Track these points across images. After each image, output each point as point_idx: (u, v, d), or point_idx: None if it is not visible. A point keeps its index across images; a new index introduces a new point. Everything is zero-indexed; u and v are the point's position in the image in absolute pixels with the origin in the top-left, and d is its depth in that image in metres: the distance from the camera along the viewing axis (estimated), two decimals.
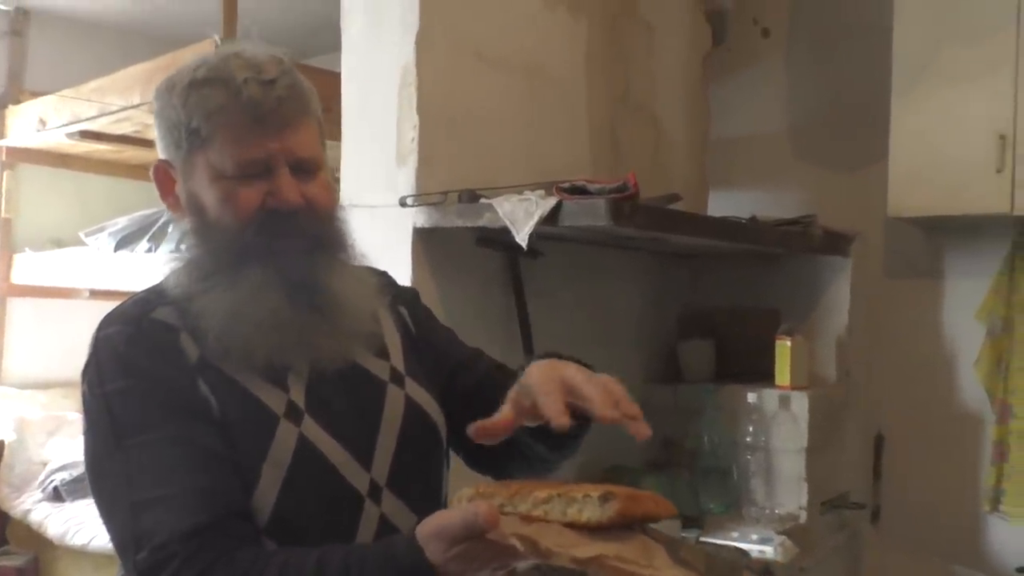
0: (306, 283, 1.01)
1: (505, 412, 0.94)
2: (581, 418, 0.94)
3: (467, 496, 0.85)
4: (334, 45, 1.94)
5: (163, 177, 1.06)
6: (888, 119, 2.40)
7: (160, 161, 1.06)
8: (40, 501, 3.64)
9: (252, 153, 0.99)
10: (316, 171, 1.05)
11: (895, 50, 2.40)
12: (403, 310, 1.20)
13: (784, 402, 2.18)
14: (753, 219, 2.11)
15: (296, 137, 1.02)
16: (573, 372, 0.93)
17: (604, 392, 0.90)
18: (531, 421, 0.95)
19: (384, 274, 1.22)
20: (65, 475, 3.60)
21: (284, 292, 1.00)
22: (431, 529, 0.83)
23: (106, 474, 0.95)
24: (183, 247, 1.04)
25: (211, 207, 1.01)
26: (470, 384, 1.17)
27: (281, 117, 1.00)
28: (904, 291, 2.69)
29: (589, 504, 0.80)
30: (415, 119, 1.76)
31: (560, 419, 0.87)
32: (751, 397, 2.18)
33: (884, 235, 2.67)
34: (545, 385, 0.91)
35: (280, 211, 1.00)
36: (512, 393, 0.94)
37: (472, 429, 0.93)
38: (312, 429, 0.99)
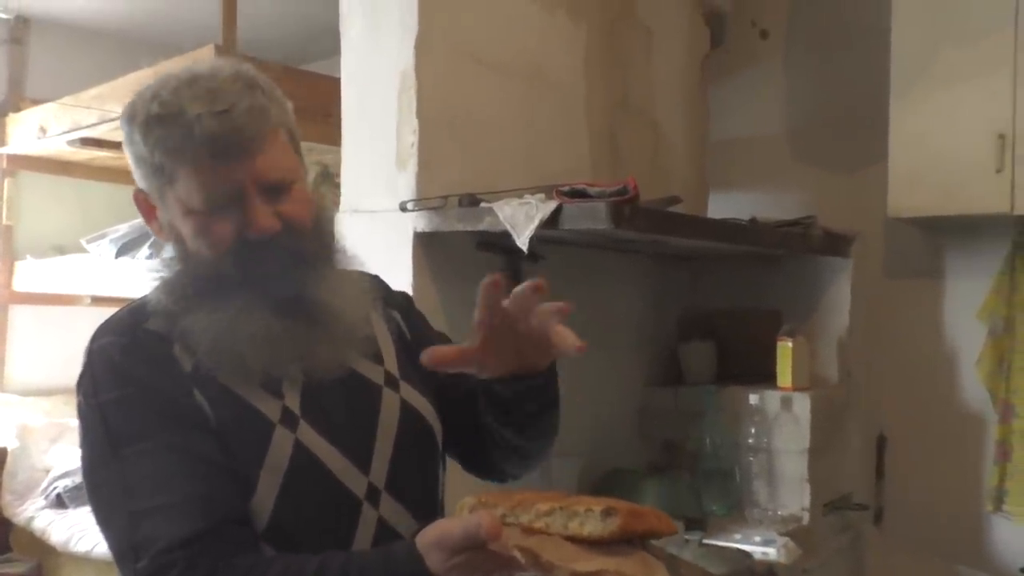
0: (293, 299, 1.01)
1: (457, 347, 1.00)
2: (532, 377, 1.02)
3: (469, 505, 0.85)
4: (333, 50, 1.95)
5: (144, 205, 1.06)
6: (886, 120, 2.40)
7: (138, 190, 1.05)
8: (43, 508, 3.64)
9: (219, 186, 0.97)
10: (290, 187, 1.02)
11: (893, 51, 2.40)
12: (396, 315, 1.19)
13: (786, 403, 2.18)
14: (753, 221, 2.11)
15: (261, 161, 0.98)
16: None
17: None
18: (479, 368, 1.01)
19: (375, 277, 1.21)
20: (68, 482, 3.61)
21: (271, 310, 0.99)
22: (432, 538, 0.83)
23: (103, 483, 0.95)
24: (167, 271, 1.04)
25: (188, 240, 1.00)
26: (463, 389, 1.16)
27: (242, 146, 0.97)
28: (905, 291, 2.69)
29: (591, 518, 0.81)
30: (415, 123, 1.77)
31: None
32: (753, 398, 2.18)
33: (884, 236, 2.67)
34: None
35: (257, 241, 0.98)
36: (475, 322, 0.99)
37: (425, 354, 0.97)
38: (308, 435, 0.99)
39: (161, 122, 0.97)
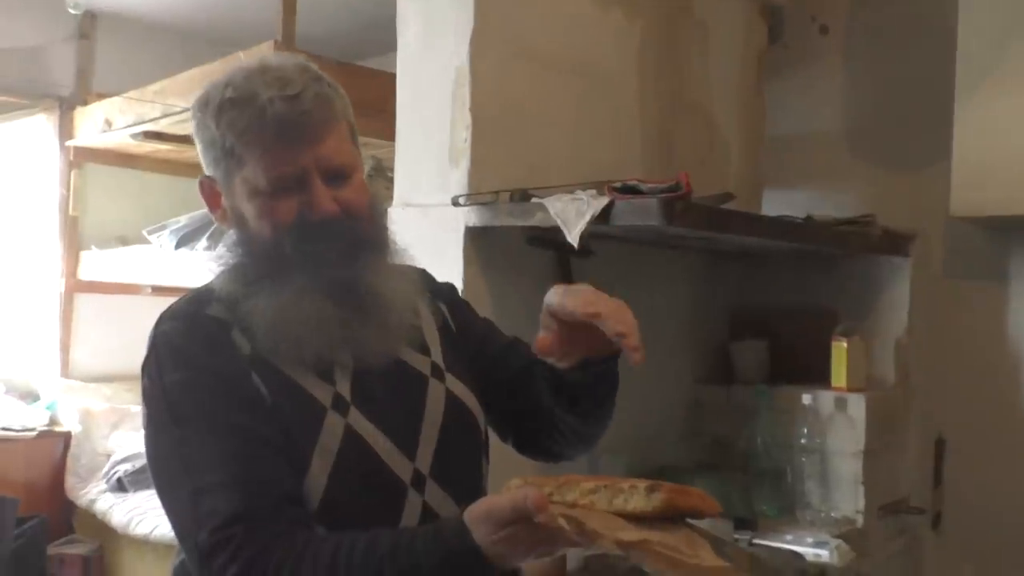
0: (348, 284, 1.04)
1: (548, 334, 1.02)
2: (596, 363, 1.04)
3: (515, 485, 0.87)
4: (389, 46, 1.97)
5: (209, 192, 1.11)
6: (950, 117, 2.34)
7: (204, 177, 1.10)
8: (104, 491, 3.75)
9: (284, 169, 1.02)
10: (350, 175, 1.07)
11: (960, 47, 2.34)
12: (442, 307, 1.23)
13: (840, 404, 2.15)
14: (809, 218, 2.07)
15: (325, 146, 1.04)
16: (588, 291, 1.01)
17: (611, 310, 0.97)
18: (562, 355, 1.04)
19: (422, 271, 1.24)
20: (128, 466, 3.71)
21: (327, 294, 1.03)
22: (480, 512, 0.85)
23: (166, 462, 0.99)
24: (227, 252, 1.08)
25: (252, 222, 1.05)
26: (513, 371, 1.20)
27: (309, 130, 1.02)
28: (967, 292, 2.62)
29: (635, 494, 0.81)
30: (468, 119, 1.78)
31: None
32: (806, 399, 2.15)
33: (945, 235, 2.61)
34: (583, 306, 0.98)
35: (318, 222, 1.03)
36: (544, 319, 1.03)
37: (535, 346, 1.02)
38: (358, 420, 1.02)
39: (234, 105, 1.02)
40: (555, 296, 1.01)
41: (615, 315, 0.96)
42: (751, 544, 1.87)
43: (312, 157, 1.03)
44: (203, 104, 1.06)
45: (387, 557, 0.87)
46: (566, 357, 1.05)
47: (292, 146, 1.02)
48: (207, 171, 1.09)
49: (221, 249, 1.08)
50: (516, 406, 1.20)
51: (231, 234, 1.09)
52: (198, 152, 1.09)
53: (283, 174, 1.02)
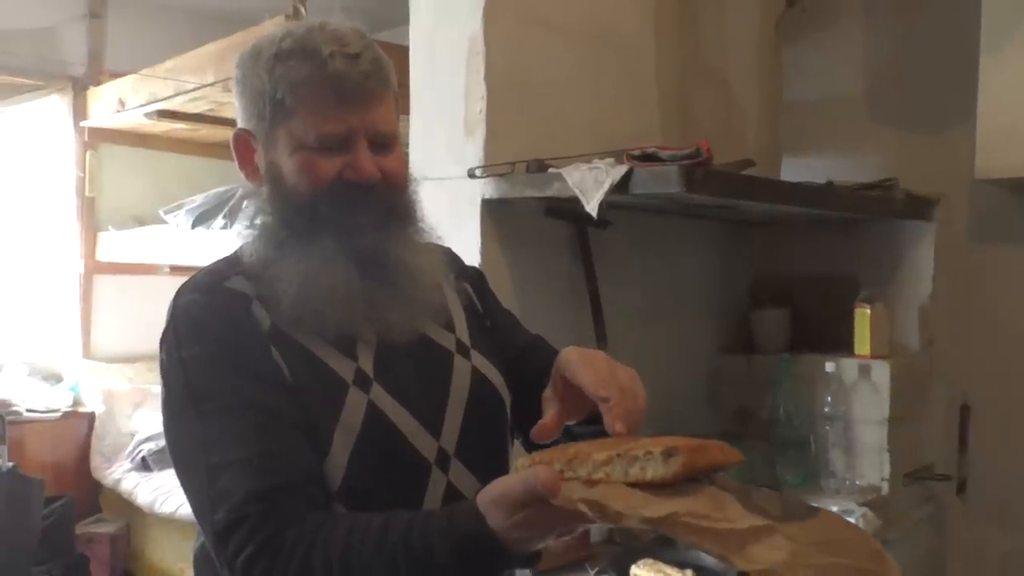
0: (377, 255, 1.03)
1: (552, 414, 0.99)
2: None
3: (525, 465, 0.84)
4: (403, 19, 1.94)
5: (243, 146, 1.08)
6: (974, 78, 2.29)
7: (240, 130, 1.07)
8: (130, 470, 3.79)
9: (334, 126, 1.00)
10: (393, 145, 1.06)
11: (984, 3, 2.28)
12: (467, 287, 1.21)
13: (864, 371, 2.12)
14: (829, 184, 2.04)
15: (377, 112, 1.03)
16: (602, 364, 0.98)
17: (620, 395, 0.94)
18: (575, 416, 1.00)
19: (448, 250, 1.22)
20: (152, 445, 3.75)
21: (355, 264, 1.01)
22: (492, 496, 0.83)
23: (183, 438, 0.97)
24: (259, 217, 1.05)
25: (289, 176, 1.02)
26: (532, 375, 1.15)
27: (364, 92, 1.01)
28: (992, 256, 2.58)
29: (652, 462, 0.77)
30: (483, 90, 1.75)
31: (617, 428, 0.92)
32: (829, 366, 2.12)
33: (969, 198, 2.56)
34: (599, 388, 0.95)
35: (357, 184, 1.01)
36: (549, 392, 1.01)
37: (534, 433, 0.99)
38: (381, 396, 1.00)
39: (292, 56, 1.01)
40: (570, 362, 0.99)
41: (621, 403, 0.93)
42: None
43: (362, 120, 1.01)
44: (254, 55, 1.04)
45: (399, 544, 0.85)
46: (571, 415, 1.02)
47: (346, 105, 1.00)
48: (245, 124, 1.06)
49: (251, 209, 1.06)
50: (531, 408, 1.13)
51: (262, 191, 1.06)
52: (238, 107, 1.07)
53: (332, 132, 1.00)
